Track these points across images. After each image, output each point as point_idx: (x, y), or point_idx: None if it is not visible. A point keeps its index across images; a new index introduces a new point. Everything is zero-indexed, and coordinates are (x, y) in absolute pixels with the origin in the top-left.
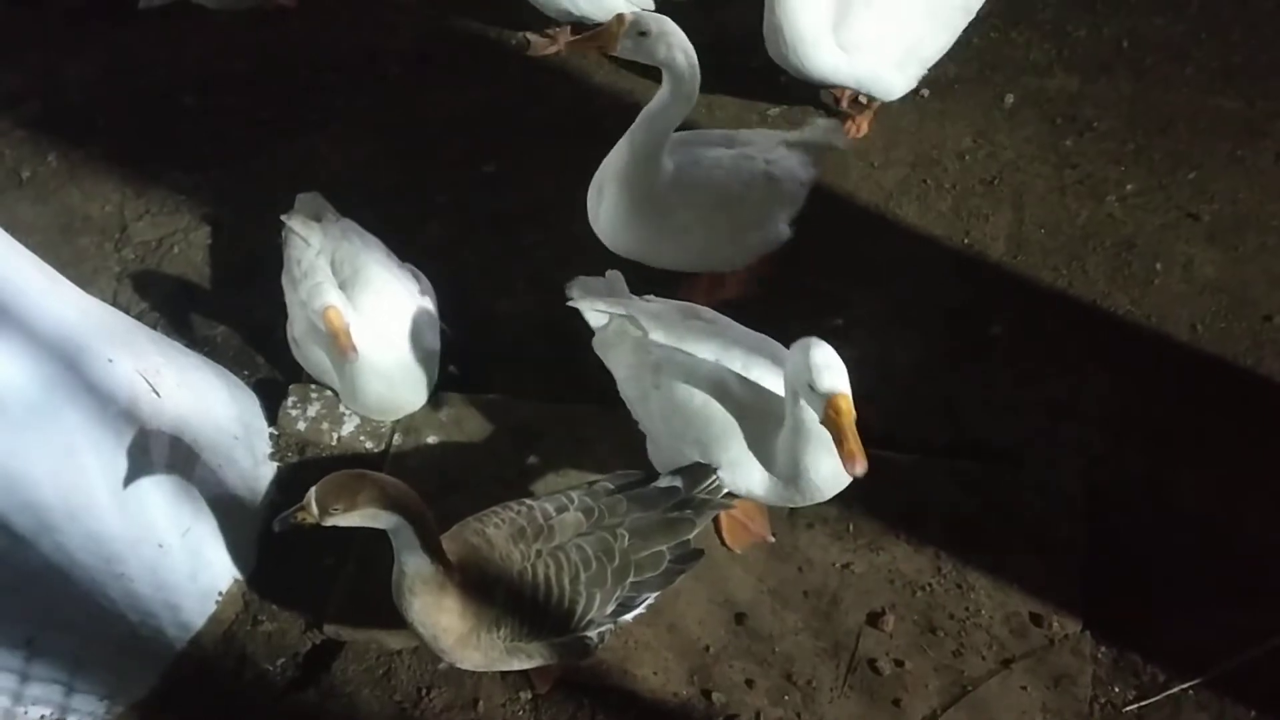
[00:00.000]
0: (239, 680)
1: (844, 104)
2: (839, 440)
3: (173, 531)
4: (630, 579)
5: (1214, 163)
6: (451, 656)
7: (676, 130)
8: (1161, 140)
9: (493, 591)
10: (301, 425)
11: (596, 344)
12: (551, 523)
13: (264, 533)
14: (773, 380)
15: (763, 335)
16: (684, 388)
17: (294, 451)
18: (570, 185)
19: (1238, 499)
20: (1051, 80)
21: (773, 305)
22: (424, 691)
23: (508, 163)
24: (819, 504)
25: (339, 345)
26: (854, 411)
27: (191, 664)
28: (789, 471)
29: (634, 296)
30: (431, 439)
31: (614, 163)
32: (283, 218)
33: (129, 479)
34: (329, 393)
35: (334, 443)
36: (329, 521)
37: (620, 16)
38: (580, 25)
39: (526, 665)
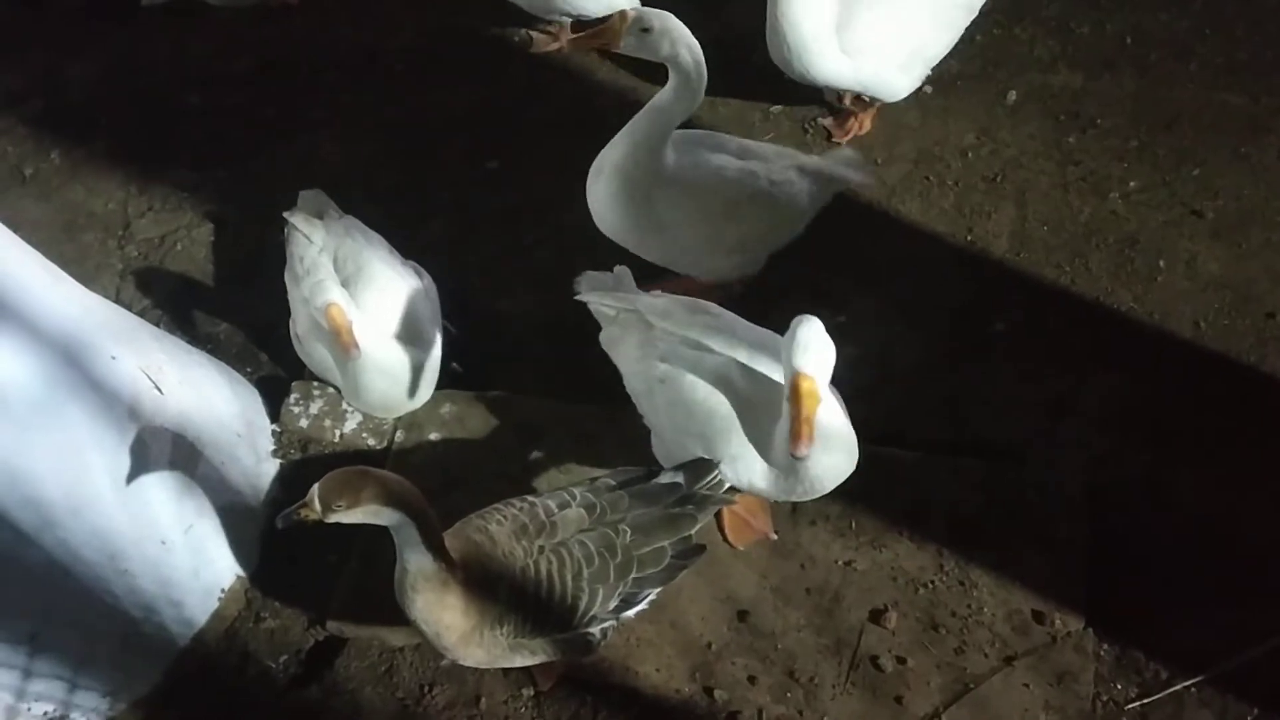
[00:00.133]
0: (242, 677)
1: (846, 101)
2: (791, 417)
3: (175, 528)
4: (633, 575)
5: (1218, 159)
6: (454, 653)
7: (695, 129)
8: (1165, 137)
9: (495, 588)
10: (304, 422)
11: (603, 339)
12: (554, 519)
13: (267, 529)
14: (777, 374)
15: (768, 331)
16: (688, 381)
17: (296, 448)
18: (572, 183)
19: (1239, 497)
20: (1055, 76)
21: (774, 303)
22: (426, 688)
23: (509, 160)
24: (821, 501)
25: (341, 342)
26: (817, 395)
27: (194, 661)
28: (787, 461)
29: (641, 292)
30: (434, 436)
31: (615, 149)
32: (285, 215)
33: (132, 476)
34: (331, 390)
35: (336, 440)
36: (331, 518)
37: (623, 13)
38: (581, 23)
39: (529, 662)
